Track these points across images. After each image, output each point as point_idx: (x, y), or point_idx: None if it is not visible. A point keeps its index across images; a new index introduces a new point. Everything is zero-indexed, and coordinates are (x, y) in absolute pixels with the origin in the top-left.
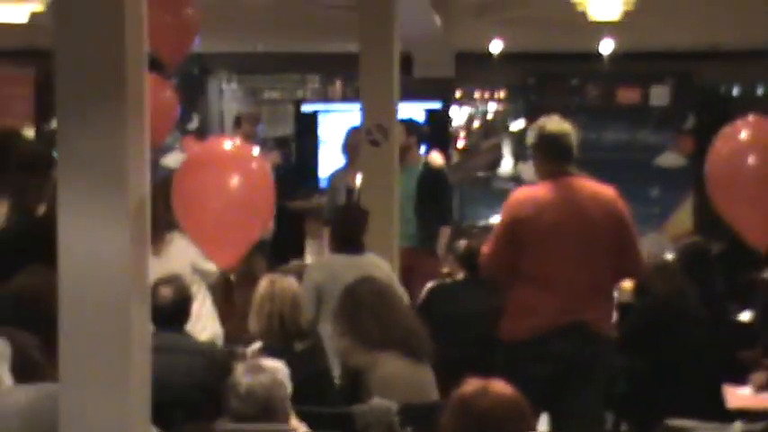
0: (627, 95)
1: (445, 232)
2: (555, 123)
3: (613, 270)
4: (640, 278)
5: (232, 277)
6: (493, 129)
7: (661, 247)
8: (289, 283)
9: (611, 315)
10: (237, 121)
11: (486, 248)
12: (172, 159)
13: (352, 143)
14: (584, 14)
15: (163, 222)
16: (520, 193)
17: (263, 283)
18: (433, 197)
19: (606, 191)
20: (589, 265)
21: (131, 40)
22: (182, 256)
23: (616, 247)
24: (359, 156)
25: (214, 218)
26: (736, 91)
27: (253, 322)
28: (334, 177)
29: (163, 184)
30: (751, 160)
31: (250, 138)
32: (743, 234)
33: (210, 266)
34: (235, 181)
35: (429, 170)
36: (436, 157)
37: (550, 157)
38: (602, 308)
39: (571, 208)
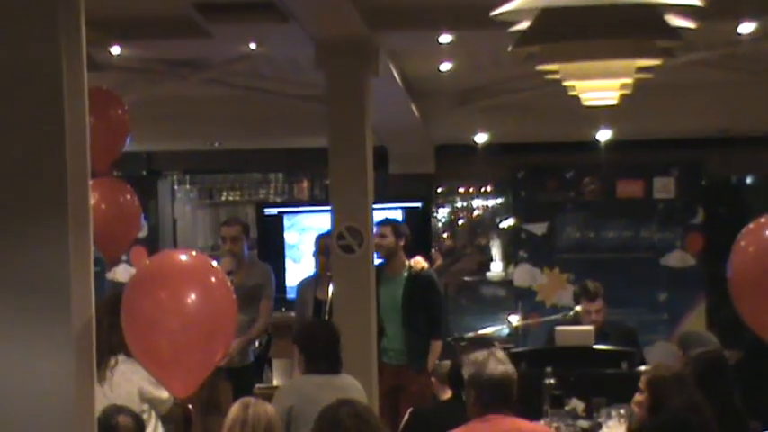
0: (628, 188)
1: (436, 347)
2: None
3: None
4: None
5: (190, 406)
6: (480, 227)
7: (671, 357)
8: (264, 409)
9: None
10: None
11: None
12: (119, 273)
13: (323, 251)
14: (577, 100)
15: (105, 345)
16: None
17: (236, 407)
18: (423, 307)
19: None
20: None
21: (73, 147)
22: (127, 384)
23: None
24: (329, 264)
25: (170, 339)
26: (749, 181)
27: None
28: (301, 289)
29: (107, 302)
30: None
31: (237, 241)
32: None
33: (162, 393)
34: (193, 297)
35: (416, 277)
36: (420, 261)
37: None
38: None
39: None
